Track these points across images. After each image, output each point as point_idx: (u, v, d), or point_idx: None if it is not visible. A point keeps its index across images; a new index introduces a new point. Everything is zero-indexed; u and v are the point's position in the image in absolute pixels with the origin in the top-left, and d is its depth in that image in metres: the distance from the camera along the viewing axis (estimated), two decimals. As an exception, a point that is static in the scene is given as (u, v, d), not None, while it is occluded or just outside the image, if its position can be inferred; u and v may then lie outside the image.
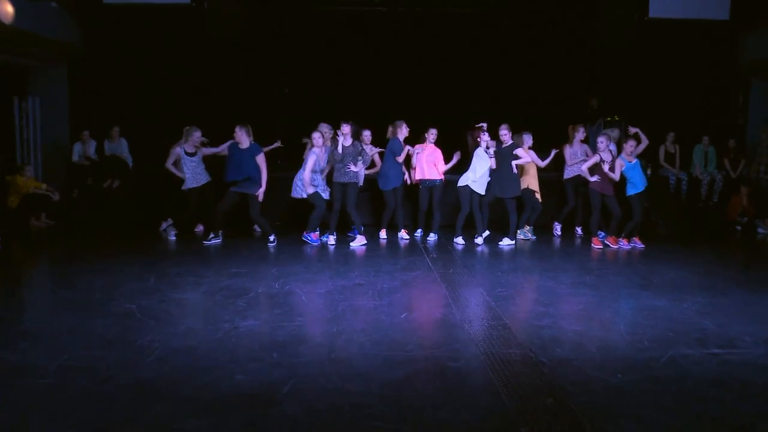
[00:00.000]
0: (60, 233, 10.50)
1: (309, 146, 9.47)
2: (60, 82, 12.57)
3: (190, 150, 9.43)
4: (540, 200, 9.85)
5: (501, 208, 9.74)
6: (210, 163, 9.75)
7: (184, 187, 9.48)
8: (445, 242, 9.53)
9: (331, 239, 9.35)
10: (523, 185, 9.63)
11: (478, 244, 9.39)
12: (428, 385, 4.16)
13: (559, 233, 10.34)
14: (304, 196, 9.22)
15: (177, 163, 9.58)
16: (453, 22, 13.60)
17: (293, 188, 9.36)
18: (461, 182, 9.41)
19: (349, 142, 9.29)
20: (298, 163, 9.54)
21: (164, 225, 9.97)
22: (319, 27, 13.51)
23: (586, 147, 10.21)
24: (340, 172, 9.26)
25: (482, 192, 9.41)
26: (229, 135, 9.10)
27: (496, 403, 3.85)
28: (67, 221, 10.95)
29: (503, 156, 9.36)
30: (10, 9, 9.44)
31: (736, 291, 6.70)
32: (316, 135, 9.25)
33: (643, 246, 9.24)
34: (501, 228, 10.02)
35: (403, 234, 9.85)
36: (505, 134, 9.42)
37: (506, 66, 13.63)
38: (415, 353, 4.71)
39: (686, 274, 7.51)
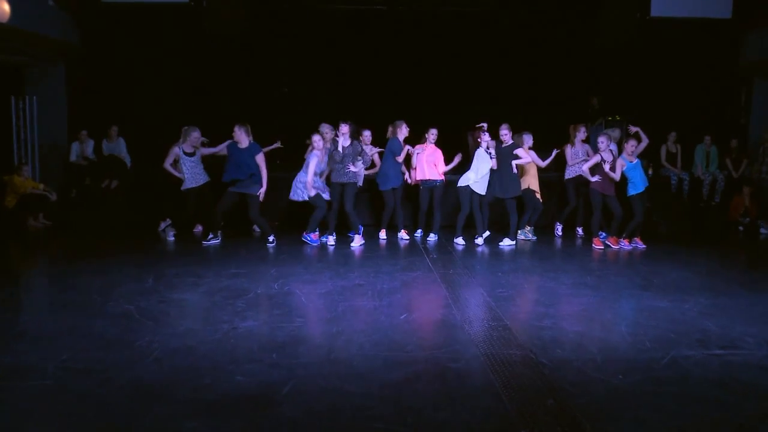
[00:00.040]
0: (57, 234, 10.48)
1: (309, 148, 9.44)
2: (58, 81, 12.55)
3: (189, 150, 9.41)
4: (541, 200, 9.83)
5: (501, 208, 9.72)
6: (209, 163, 9.73)
7: (183, 188, 9.45)
8: (446, 243, 9.51)
9: (331, 240, 9.33)
10: (524, 185, 9.62)
11: (478, 245, 9.37)
12: (428, 386, 4.14)
13: (560, 233, 10.32)
14: (306, 198, 9.20)
15: (176, 163, 9.55)
16: (453, 22, 13.59)
17: (293, 191, 9.33)
18: (461, 182, 9.39)
19: (348, 142, 9.27)
20: (298, 163, 9.52)
21: (163, 225, 9.95)
22: (318, 26, 13.50)
23: (587, 147, 10.19)
24: (339, 173, 9.23)
25: (483, 192, 9.39)
26: (228, 134, 9.09)
27: (496, 404, 3.83)
28: (65, 221, 10.93)
29: (503, 156, 9.34)
30: (7, 8, 9.42)
31: (739, 292, 6.68)
32: (316, 137, 9.22)
33: (644, 246, 9.22)
34: (501, 228, 10.01)
35: (402, 234, 9.84)
36: (505, 134, 9.41)
37: (507, 65, 13.63)
38: (415, 354, 4.70)
39: (688, 274, 7.49)
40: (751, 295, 6.55)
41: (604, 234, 9.51)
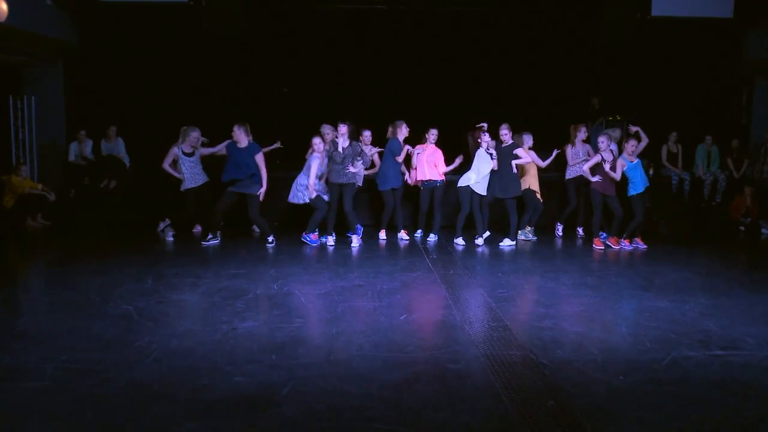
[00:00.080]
0: (56, 234, 10.46)
1: (310, 150, 9.43)
2: (56, 80, 12.51)
3: (188, 150, 9.39)
4: (541, 200, 9.82)
5: (501, 208, 9.71)
6: (208, 163, 9.71)
7: (182, 188, 9.43)
8: (446, 243, 9.50)
9: (330, 240, 9.32)
10: (524, 185, 9.60)
11: (478, 245, 9.36)
12: (428, 386, 4.13)
13: (561, 234, 10.30)
14: (306, 200, 9.18)
15: (175, 164, 9.53)
16: (453, 21, 13.57)
17: (293, 194, 9.30)
18: (461, 182, 9.38)
19: (347, 143, 9.25)
20: (297, 163, 9.51)
21: (162, 225, 9.92)
22: (318, 25, 13.48)
23: (588, 147, 10.18)
24: (339, 173, 9.21)
25: (483, 192, 9.38)
26: (228, 134, 9.07)
27: (496, 405, 3.82)
28: (64, 222, 10.91)
29: (503, 156, 9.33)
30: (5, 7, 9.40)
31: (740, 292, 6.67)
32: (316, 140, 9.18)
33: (645, 247, 9.20)
34: (501, 228, 9.99)
35: (402, 235, 9.82)
36: (505, 134, 9.39)
37: (507, 65, 13.62)
38: (415, 355, 4.69)
39: (689, 275, 7.48)
40: (752, 295, 6.53)
41: (604, 234, 9.50)
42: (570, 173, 10.18)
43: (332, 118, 9.63)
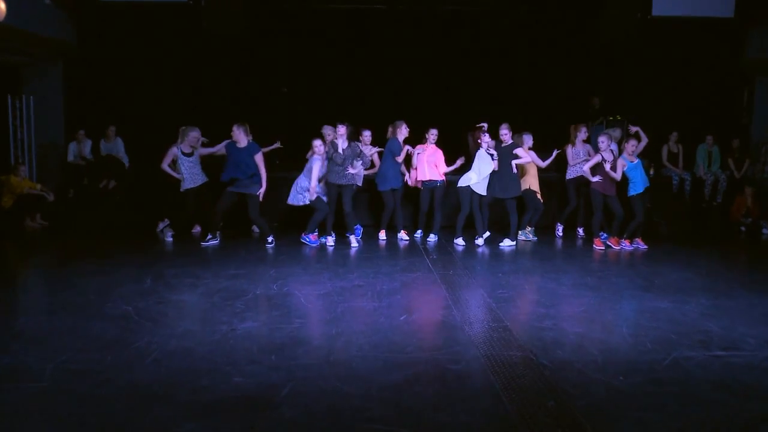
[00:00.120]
0: (55, 234, 10.44)
1: (310, 152, 9.42)
2: (55, 80, 12.50)
3: (187, 150, 9.38)
4: (541, 200, 9.80)
5: (501, 208, 9.70)
6: (207, 163, 9.69)
7: (182, 188, 9.41)
8: (445, 243, 9.49)
9: (330, 240, 9.31)
10: (524, 186, 9.59)
11: (478, 245, 9.34)
12: (428, 387, 4.12)
13: (561, 234, 10.29)
14: (306, 202, 9.18)
15: (174, 164, 9.50)
16: (453, 21, 13.56)
17: (292, 195, 9.29)
18: (462, 182, 9.37)
19: (346, 144, 9.24)
20: (297, 163, 9.49)
21: (161, 226, 9.90)
22: (318, 25, 13.47)
23: (588, 147, 10.16)
24: (339, 175, 9.19)
25: (483, 192, 9.37)
26: (227, 134, 9.05)
27: (496, 406, 3.81)
28: (63, 222, 10.89)
29: (503, 156, 9.31)
30: (3, 7, 9.39)
31: (740, 292, 6.65)
32: (317, 142, 9.16)
33: (645, 247, 9.19)
34: (501, 229, 9.98)
35: (402, 235, 9.81)
36: (505, 134, 9.38)
37: (507, 65, 13.61)
38: (415, 355, 4.68)
39: (689, 275, 7.47)
40: (752, 296, 6.52)
41: (605, 234, 9.49)
42: (570, 173, 10.16)
43: (332, 118, 9.63)
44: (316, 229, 9.27)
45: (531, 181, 9.68)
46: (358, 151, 9.35)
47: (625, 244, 9.19)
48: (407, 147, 9.70)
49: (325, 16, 13.44)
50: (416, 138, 9.80)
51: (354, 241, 9.26)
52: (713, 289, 6.79)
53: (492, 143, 9.35)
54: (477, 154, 9.40)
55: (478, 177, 9.28)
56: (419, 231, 10.12)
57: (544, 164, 9.72)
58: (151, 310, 5.74)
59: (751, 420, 3.70)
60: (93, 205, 11.54)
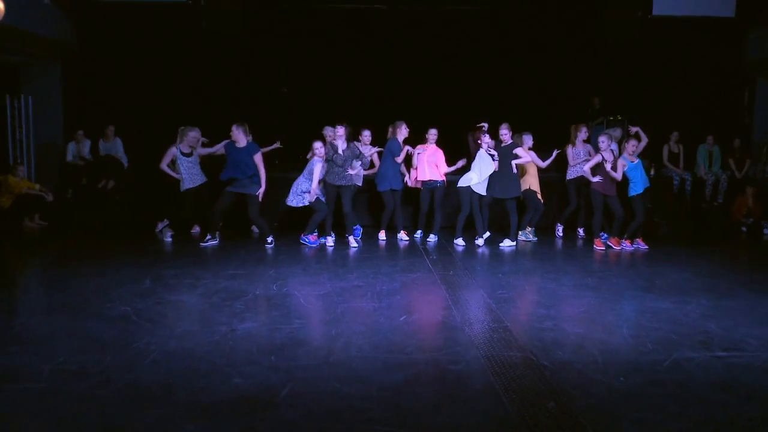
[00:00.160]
0: (54, 234, 10.43)
1: (310, 154, 9.40)
2: (53, 80, 12.48)
3: (186, 150, 9.36)
4: (542, 201, 9.79)
5: (501, 208, 9.68)
6: (207, 163, 9.68)
7: (181, 189, 9.39)
8: (445, 244, 9.47)
9: (330, 241, 9.29)
10: (525, 186, 9.58)
11: (478, 246, 9.33)
12: (428, 388, 4.10)
13: (561, 234, 10.27)
14: (305, 203, 9.16)
15: (173, 164, 9.49)
16: (453, 20, 13.55)
17: (292, 197, 9.27)
18: (462, 183, 9.35)
19: (345, 145, 9.22)
20: (296, 163, 9.47)
21: (160, 226, 9.89)
22: (317, 25, 13.46)
23: (588, 147, 10.14)
24: (339, 176, 9.16)
25: (483, 193, 9.35)
26: (227, 134, 9.03)
27: (496, 407, 3.79)
28: (61, 222, 10.88)
29: (503, 156, 9.30)
30: (1, 6, 9.36)
31: (742, 293, 6.64)
32: (318, 144, 9.14)
33: (646, 247, 9.18)
34: (501, 229, 9.97)
35: (402, 235, 9.79)
36: (505, 133, 9.36)
37: (507, 64, 13.60)
38: (415, 356, 4.66)
39: (690, 275, 7.46)
40: (754, 296, 6.50)
41: (605, 235, 9.47)
42: (571, 173, 10.15)
43: (332, 118, 9.62)
44: (316, 230, 9.26)
45: (531, 181, 9.67)
46: (357, 152, 9.34)
47: (626, 245, 9.17)
48: (407, 147, 9.68)
49: (324, 16, 13.44)
50: (416, 138, 9.78)
51: (353, 242, 9.24)
52: (714, 289, 6.77)
53: (492, 143, 9.34)
54: (477, 154, 9.38)
55: (478, 177, 9.26)
56: (419, 231, 10.10)
57: (544, 164, 9.70)
58: (150, 311, 5.72)
59: (752, 421, 3.67)
60: (92, 206, 11.52)
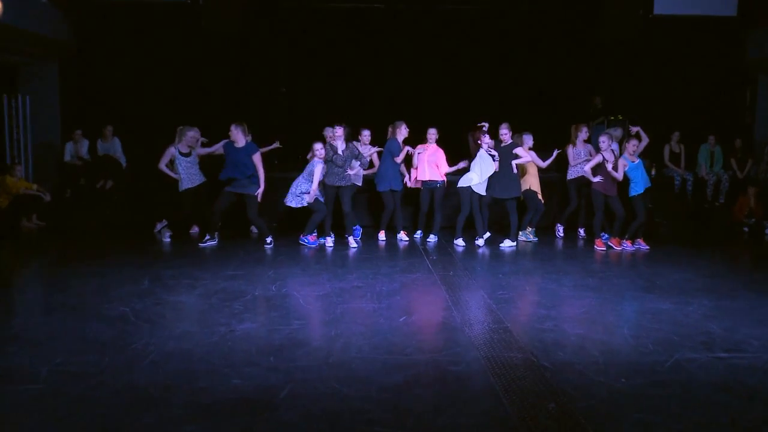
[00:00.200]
0: (51, 235, 10.40)
1: (310, 155, 9.37)
2: (51, 79, 12.44)
3: (184, 150, 9.33)
4: (542, 201, 9.76)
5: (501, 209, 9.67)
6: (206, 163, 9.66)
7: (180, 189, 9.36)
8: (445, 244, 9.45)
9: (329, 241, 9.27)
10: (525, 186, 9.55)
11: (478, 246, 9.30)
12: (428, 389, 4.09)
13: (562, 234, 10.24)
14: (303, 204, 9.15)
15: (172, 164, 9.46)
16: (452, 19, 13.53)
17: (290, 197, 9.24)
18: (462, 183, 9.33)
19: (344, 145, 9.20)
20: (295, 163, 9.45)
21: (159, 226, 9.85)
22: (316, 24, 13.44)
23: (589, 147, 10.12)
24: (339, 176, 9.13)
25: (483, 193, 9.33)
26: (225, 134, 9.01)
27: (497, 408, 3.78)
28: (59, 222, 10.83)
29: (503, 156, 9.27)
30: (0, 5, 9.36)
31: (743, 294, 6.62)
32: (318, 145, 9.12)
33: (647, 248, 9.15)
34: (501, 229, 9.95)
35: (402, 236, 9.76)
36: (505, 133, 9.34)
37: (507, 64, 13.58)
38: (415, 357, 4.64)
39: (691, 276, 7.43)
40: (755, 297, 6.48)
41: (606, 235, 9.45)
42: (572, 173, 10.12)
43: (331, 118, 9.60)
44: (315, 230, 9.24)
45: (531, 181, 9.64)
46: (356, 152, 9.32)
47: (627, 245, 9.15)
48: (407, 148, 9.65)
49: (323, 15, 13.41)
50: (417, 138, 9.75)
51: (353, 242, 9.22)
52: (716, 290, 6.74)
53: (492, 143, 9.31)
54: (478, 154, 9.35)
55: (479, 178, 9.24)
56: (419, 232, 10.08)
57: (544, 164, 9.68)
58: (149, 312, 5.71)
59: (754, 422, 3.66)
60: (90, 206, 11.47)
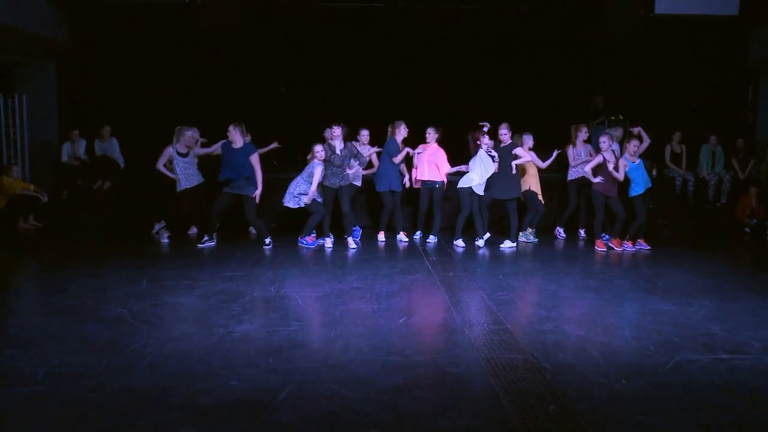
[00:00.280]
0: (49, 236, 10.39)
1: (309, 156, 9.35)
2: (48, 79, 12.43)
3: (182, 150, 9.31)
4: (542, 201, 9.74)
5: (501, 209, 9.65)
6: (204, 163, 9.64)
7: (177, 189, 9.34)
8: (445, 245, 9.43)
9: (328, 242, 9.25)
10: (525, 186, 9.54)
11: (478, 247, 9.28)
12: (428, 391, 4.06)
13: (564, 235, 10.20)
14: (301, 205, 9.13)
15: (170, 164, 9.44)
16: (452, 19, 13.51)
17: (288, 198, 9.23)
18: (462, 183, 9.30)
19: (342, 145, 9.18)
20: (294, 164, 9.43)
21: (157, 227, 9.83)
22: (315, 24, 13.42)
23: (589, 147, 10.11)
24: (337, 176, 9.11)
25: (482, 193, 9.31)
26: (224, 134, 8.98)
27: (497, 410, 3.75)
28: (56, 223, 10.83)
29: (502, 156, 9.26)
30: None
31: (745, 295, 6.60)
32: (318, 147, 9.10)
33: (648, 248, 9.13)
34: (501, 230, 9.93)
35: (401, 236, 9.74)
36: (504, 133, 9.32)
37: (507, 64, 13.56)
38: (415, 358, 4.62)
39: (693, 277, 7.41)
40: (757, 298, 6.46)
41: (606, 236, 9.42)
42: (572, 174, 10.10)
43: (330, 118, 9.58)
44: (314, 231, 9.22)
45: (531, 182, 9.62)
46: (355, 151, 9.29)
47: (628, 246, 9.13)
48: (406, 149, 9.62)
49: (323, 15, 13.38)
50: (417, 138, 9.73)
51: (352, 243, 9.20)
52: (717, 291, 6.73)
53: (491, 144, 9.29)
54: (478, 154, 9.33)
55: (480, 178, 9.22)
56: (419, 232, 10.06)
57: (544, 165, 9.65)
58: (147, 313, 5.68)
59: (756, 424, 3.64)
60: (87, 206, 11.46)
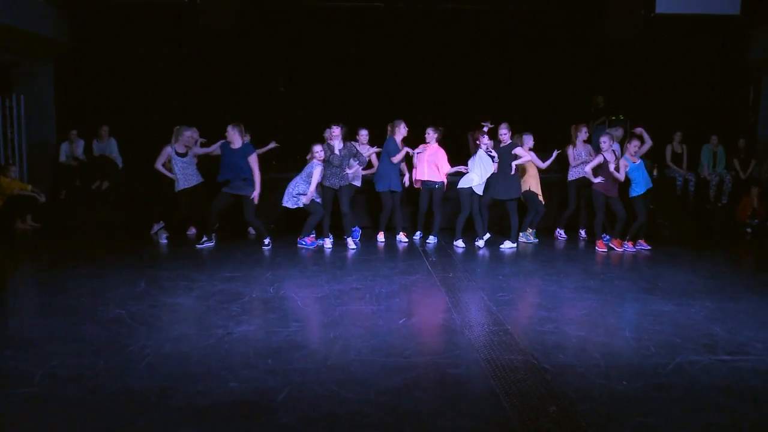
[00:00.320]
0: (46, 236, 10.38)
1: (309, 156, 9.34)
2: (46, 78, 12.41)
3: (181, 150, 9.30)
4: (543, 202, 9.72)
5: (501, 210, 9.63)
6: (203, 163, 9.63)
7: (176, 189, 9.32)
8: (445, 245, 9.42)
9: (327, 242, 9.23)
10: (525, 187, 9.52)
11: (478, 247, 9.26)
12: (427, 392, 4.05)
13: (565, 236, 10.18)
14: (300, 205, 9.12)
15: (169, 164, 9.42)
16: (452, 19, 13.50)
17: (287, 198, 9.21)
18: (463, 184, 9.29)
19: (341, 145, 9.16)
20: (293, 164, 9.41)
21: (155, 228, 9.81)
22: (315, 23, 13.41)
23: (589, 147, 10.09)
24: (336, 176, 9.09)
25: (481, 193, 9.29)
26: (223, 134, 8.96)
27: (497, 411, 3.74)
28: (54, 224, 10.81)
29: (502, 156, 9.24)
30: None
31: (746, 295, 6.58)
32: (318, 147, 9.08)
33: (649, 248, 9.11)
34: (501, 231, 9.92)
35: (401, 237, 9.72)
36: (504, 134, 9.30)
37: (507, 63, 13.55)
38: (414, 359, 4.61)
39: (694, 277, 7.39)
40: (758, 299, 6.44)
41: (607, 236, 9.40)
42: (572, 174, 10.08)
43: (329, 118, 9.57)
44: (313, 232, 9.20)
45: (531, 182, 9.60)
46: (355, 151, 9.27)
47: (628, 246, 9.11)
48: (406, 148, 9.60)
49: (322, 14, 13.37)
50: (417, 138, 9.72)
51: (352, 243, 9.18)
52: (718, 291, 6.71)
53: (491, 144, 9.28)
54: (477, 154, 9.32)
55: (480, 179, 9.20)
56: (418, 233, 10.04)
57: (544, 165, 9.63)
58: (145, 314, 5.67)
59: (758, 425, 3.63)
60: (85, 207, 11.44)
